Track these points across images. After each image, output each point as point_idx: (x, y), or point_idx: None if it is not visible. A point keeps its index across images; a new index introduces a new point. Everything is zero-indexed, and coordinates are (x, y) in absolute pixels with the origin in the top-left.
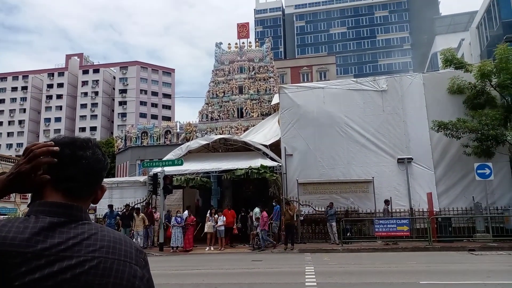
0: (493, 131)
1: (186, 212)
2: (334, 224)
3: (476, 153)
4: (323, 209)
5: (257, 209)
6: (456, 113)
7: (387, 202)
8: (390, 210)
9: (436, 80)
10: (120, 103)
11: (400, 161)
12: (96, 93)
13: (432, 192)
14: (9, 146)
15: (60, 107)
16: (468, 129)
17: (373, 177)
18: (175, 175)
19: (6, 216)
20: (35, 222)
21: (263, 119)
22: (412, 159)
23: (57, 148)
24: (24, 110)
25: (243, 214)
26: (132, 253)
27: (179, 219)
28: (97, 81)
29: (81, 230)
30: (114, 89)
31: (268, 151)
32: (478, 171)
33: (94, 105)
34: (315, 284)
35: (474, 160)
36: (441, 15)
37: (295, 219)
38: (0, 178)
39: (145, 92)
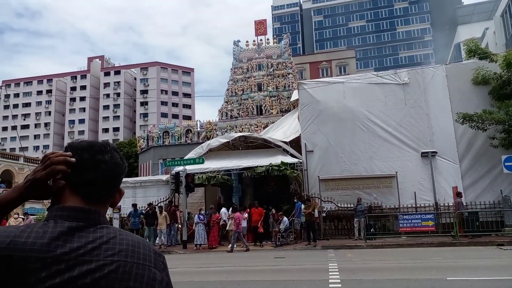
0: None
1: (224, 209)
2: (362, 220)
3: (503, 145)
4: (345, 205)
5: (223, 210)
6: (481, 104)
7: (459, 194)
8: (464, 203)
9: (460, 71)
10: (142, 104)
11: (424, 155)
12: (118, 94)
13: (458, 186)
14: (36, 148)
15: (84, 109)
16: (495, 120)
17: (396, 172)
18: (197, 173)
19: (35, 217)
20: (53, 227)
21: (282, 115)
22: (436, 152)
23: (74, 159)
24: (50, 113)
25: (265, 211)
26: (151, 256)
27: (201, 216)
28: (118, 82)
29: (100, 234)
30: (135, 90)
31: (288, 147)
32: (506, 164)
33: (116, 106)
34: (339, 281)
35: (502, 152)
36: (464, 4)
37: (316, 216)
38: (18, 185)
39: (166, 92)
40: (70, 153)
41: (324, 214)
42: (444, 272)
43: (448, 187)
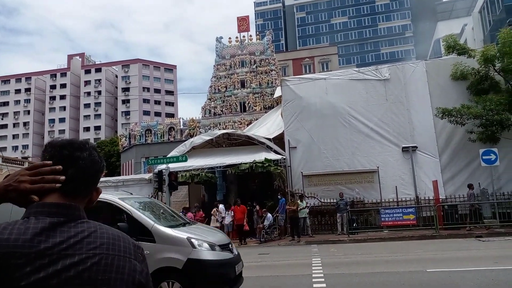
0: (498, 116)
1: (221, 206)
2: (345, 215)
3: (481, 139)
4: (328, 201)
5: (221, 206)
6: (460, 99)
7: (471, 186)
8: (476, 194)
9: (439, 67)
10: (123, 102)
11: (405, 149)
12: (99, 92)
13: (438, 180)
14: (15, 148)
15: (64, 108)
16: (473, 115)
17: (378, 167)
18: (180, 171)
19: None
20: (35, 223)
21: (266, 112)
22: (417, 147)
23: (63, 178)
24: (28, 112)
25: (249, 208)
26: (131, 248)
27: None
28: (99, 80)
29: (81, 229)
30: (116, 87)
31: (272, 144)
32: (484, 157)
33: (98, 104)
34: (322, 275)
35: (479, 146)
36: (443, 0)
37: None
38: None
39: (148, 89)
40: (60, 167)
41: (307, 210)
42: (424, 264)
43: (428, 181)
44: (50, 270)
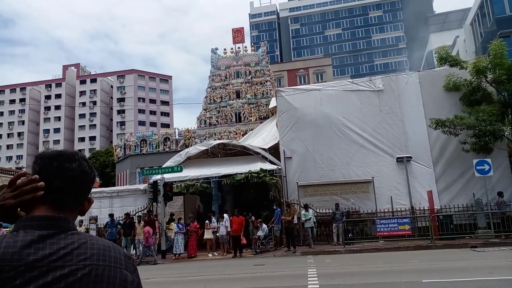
0: (491, 127)
1: (225, 215)
2: (340, 225)
3: (474, 150)
4: (324, 211)
5: (226, 216)
6: (453, 110)
7: (501, 194)
8: (506, 202)
9: (432, 78)
10: (119, 112)
11: (399, 160)
12: (94, 103)
13: (433, 190)
14: (9, 158)
15: (59, 118)
16: (466, 125)
17: (373, 177)
18: (175, 182)
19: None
20: (24, 236)
21: (261, 122)
22: (411, 157)
23: (42, 184)
24: (23, 122)
25: (245, 218)
26: (122, 259)
27: (180, 225)
28: (94, 90)
29: (71, 240)
30: (112, 98)
31: (267, 154)
32: (477, 167)
33: (93, 114)
34: (318, 286)
35: (473, 156)
36: (435, 13)
37: (295, 222)
38: None
39: (143, 100)
40: (36, 176)
41: (314, 219)
42: (420, 274)
43: (423, 191)
44: (40, 282)
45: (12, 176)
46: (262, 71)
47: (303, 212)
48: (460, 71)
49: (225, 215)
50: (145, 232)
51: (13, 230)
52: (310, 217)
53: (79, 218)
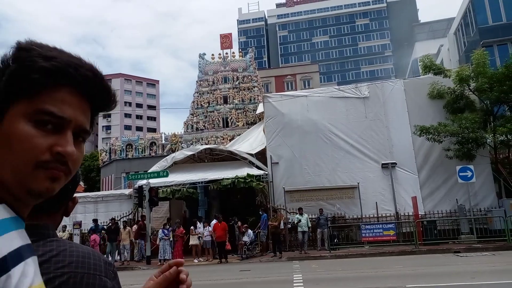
0: (473, 134)
1: (214, 221)
2: (325, 230)
3: (457, 156)
4: (310, 217)
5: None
6: (437, 117)
7: None
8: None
9: (417, 85)
10: (104, 116)
11: (384, 166)
12: None
13: (417, 196)
14: None
15: None
16: (449, 132)
17: (358, 183)
18: (161, 187)
19: None
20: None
21: (248, 128)
22: (396, 164)
23: None
24: None
25: (230, 224)
26: (101, 265)
27: (166, 231)
28: None
29: (50, 248)
30: None
31: (254, 160)
32: (460, 174)
33: None
34: None
35: (456, 163)
36: (420, 22)
37: (282, 227)
38: None
39: (130, 104)
40: None
41: (289, 226)
42: (404, 279)
43: (407, 197)
44: None
45: None
46: (249, 77)
47: (296, 216)
48: (444, 79)
49: (214, 221)
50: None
51: None
52: (301, 221)
53: (62, 223)
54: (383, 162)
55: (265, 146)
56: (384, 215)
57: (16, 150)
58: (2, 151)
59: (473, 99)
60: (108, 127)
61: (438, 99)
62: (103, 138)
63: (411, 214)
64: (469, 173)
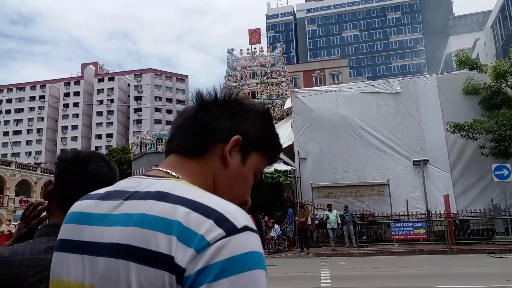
0: (511, 132)
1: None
2: (351, 227)
3: (493, 154)
4: (339, 213)
5: None
6: (471, 114)
7: None
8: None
9: (451, 81)
10: (135, 110)
11: (416, 163)
12: (112, 101)
13: (449, 194)
14: (28, 154)
15: (77, 115)
16: (485, 130)
17: (388, 180)
18: None
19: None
20: (47, 242)
21: (276, 123)
22: (428, 161)
23: (45, 215)
24: (42, 119)
25: (258, 218)
26: None
27: None
28: (112, 88)
29: None
30: (129, 96)
31: (282, 155)
32: (496, 172)
33: (110, 112)
34: None
35: (492, 161)
36: (455, 15)
37: (309, 223)
38: (7, 244)
39: (160, 98)
40: (40, 201)
41: (317, 222)
42: (435, 280)
43: (439, 195)
44: None
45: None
46: (277, 72)
47: (325, 212)
48: (479, 75)
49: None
50: None
51: (36, 236)
52: (329, 217)
53: None
54: (414, 159)
55: (293, 142)
56: (414, 213)
57: (241, 188)
58: (235, 182)
59: (511, 95)
60: (139, 121)
61: (473, 95)
62: (134, 132)
63: (443, 212)
64: (505, 172)
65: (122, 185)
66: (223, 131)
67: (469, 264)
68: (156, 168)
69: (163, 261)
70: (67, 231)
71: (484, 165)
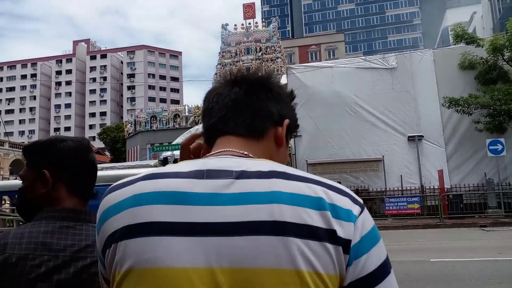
0: (506, 106)
1: None
2: None
3: (488, 129)
4: None
5: None
6: (467, 89)
7: None
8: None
9: (447, 55)
10: (129, 88)
11: (411, 139)
12: (105, 79)
13: (443, 169)
14: (21, 133)
15: (70, 94)
16: (480, 104)
17: (383, 156)
18: None
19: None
20: (46, 226)
21: None
22: (423, 136)
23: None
24: (35, 97)
25: None
26: None
27: None
28: (105, 66)
29: (92, 232)
30: (122, 73)
31: None
32: (490, 147)
33: (103, 90)
34: None
35: (486, 136)
36: None
37: None
38: None
39: (153, 76)
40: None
41: None
42: (428, 253)
43: (433, 170)
44: (63, 272)
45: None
46: (273, 48)
47: None
48: (476, 49)
49: None
50: None
51: (35, 220)
52: None
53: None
54: (409, 134)
55: None
56: (408, 188)
57: (285, 156)
58: (283, 161)
59: (507, 70)
60: (132, 99)
61: (469, 69)
62: (128, 110)
63: (437, 187)
64: (499, 147)
65: (215, 163)
66: (275, 114)
67: (461, 238)
68: (227, 149)
69: (325, 235)
70: (160, 213)
71: (478, 140)
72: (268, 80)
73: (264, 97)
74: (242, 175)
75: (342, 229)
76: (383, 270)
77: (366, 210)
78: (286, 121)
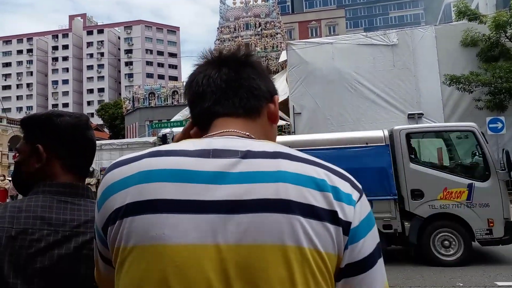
0: (507, 84)
1: None
2: None
3: (488, 107)
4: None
5: None
6: (469, 66)
7: None
8: None
9: (449, 32)
10: (126, 64)
11: (411, 116)
12: (102, 54)
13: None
14: (19, 109)
15: (67, 69)
16: (481, 82)
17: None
18: None
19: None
20: (43, 201)
21: (272, 78)
22: (423, 114)
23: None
24: (31, 73)
25: None
26: None
27: None
28: (102, 41)
29: (91, 208)
30: (119, 49)
31: None
32: (490, 125)
33: (101, 66)
34: None
35: (486, 114)
36: None
37: None
38: None
39: (151, 51)
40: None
41: None
42: None
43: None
44: (64, 247)
45: None
46: (272, 23)
47: None
48: (478, 26)
49: None
50: None
51: (31, 193)
52: None
53: (90, 168)
54: (409, 112)
55: (288, 96)
56: None
57: (276, 131)
58: (275, 137)
59: (509, 47)
60: (130, 75)
61: (471, 46)
62: (125, 86)
63: None
64: (499, 125)
65: (220, 143)
66: (265, 92)
67: None
68: (230, 130)
69: (327, 215)
70: (167, 190)
71: (479, 118)
72: (252, 58)
73: (253, 75)
74: (248, 155)
75: (343, 211)
76: (377, 253)
77: (364, 196)
78: (276, 97)
